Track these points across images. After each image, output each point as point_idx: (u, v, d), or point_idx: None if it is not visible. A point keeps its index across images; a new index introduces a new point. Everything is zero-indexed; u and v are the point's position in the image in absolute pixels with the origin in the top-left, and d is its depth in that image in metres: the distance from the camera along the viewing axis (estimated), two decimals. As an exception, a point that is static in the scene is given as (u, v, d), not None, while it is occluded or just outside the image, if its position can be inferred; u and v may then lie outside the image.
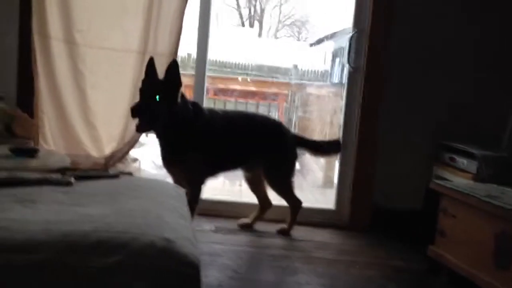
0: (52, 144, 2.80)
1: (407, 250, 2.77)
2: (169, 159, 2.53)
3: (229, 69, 8.02)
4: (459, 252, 2.28)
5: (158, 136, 2.51)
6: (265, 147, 2.70)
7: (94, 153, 2.84)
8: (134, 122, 2.84)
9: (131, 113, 2.32)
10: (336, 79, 7.74)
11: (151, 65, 2.43)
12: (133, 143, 2.87)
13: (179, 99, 2.41)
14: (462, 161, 2.74)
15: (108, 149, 2.87)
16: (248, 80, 6.74)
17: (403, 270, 2.52)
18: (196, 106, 2.56)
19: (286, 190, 2.81)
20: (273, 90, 6.06)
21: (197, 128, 2.49)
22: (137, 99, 2.83)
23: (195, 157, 2.49)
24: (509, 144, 2.60)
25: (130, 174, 2.70)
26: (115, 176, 1.89)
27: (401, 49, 3.04)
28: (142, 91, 2.39)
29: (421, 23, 3.04)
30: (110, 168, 2.75)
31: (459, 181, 2.67)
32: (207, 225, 2.74)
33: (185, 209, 1.74)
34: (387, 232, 3.02)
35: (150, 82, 2.40)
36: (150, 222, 1.43)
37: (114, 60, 2.87)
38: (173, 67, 2.39)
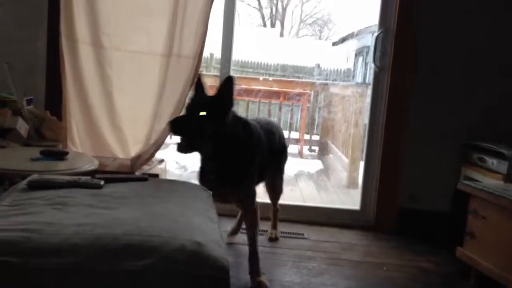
0: (79, 146, 2.84)
1: (434, 252, 2.74)
2: (222, 183, 2.19)
3: (251, 69, 8.04)
4: (490, 254, 2.24)
5: (205, 158, 2.20)
6: (281, 150, 2.66)
7: (120, 155, 2.88)
8: (160, 124, 2.87)
9: (170, 127, 2.06)
10: (359, 79, 7.69)
11: (199, 82, 2.20)
12: (159, 145, 2.88)
13: (229, 118, 2.11)
14: (492, 161, 2.69)
15: (134, 151, 2.90)
16: (270, 79, 6.73)
17: (430, 272, 2.49)
18: (245, 123, 2.26)
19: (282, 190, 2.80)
20: (296, 90, 6.04)
21: (249, 146, 2.22)
22: (162, 100, 2.89)
23: (251, 178, 2.26)
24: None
25: (156, 176, 2.76)
26: (143, 179, 1.91)
27: (428, 49, 2.98)
28: (187, 107, 2.13)
29: (448, 22, 2.98)
30: (136, 170, 2.78)
31: (488, 182, 2.61)
32: (229, 225, 2.74)
33: (212, 211, 1.75)
34: (414, 234, 2.98)
35: (197, 98, 2.15)
36: (180, 225, 1.44)
37: (139, 63, 2.91)
38: (227, 83, 2.09)
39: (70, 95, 2.82)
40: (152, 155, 2.90)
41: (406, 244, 2.88)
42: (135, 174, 2.03)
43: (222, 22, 3.13)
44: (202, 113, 2.02)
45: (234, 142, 2.13)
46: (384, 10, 3.08)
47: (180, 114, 2.17)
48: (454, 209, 2.53)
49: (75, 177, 1.81)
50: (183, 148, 2.05)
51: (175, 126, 2.05)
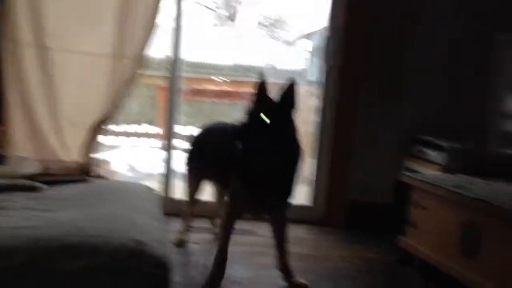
0: (22, 150, 2.77)
1: (380, 243, 2.83)
2: (271, 194, 2.09)
3: (205, 70, 8.02)
4: (429, 242, 2.35)
5: (263, 164, 2.03)
6: None
7: (65, 158, 2.83)
8: (103, 126, 2.84)
9: (234, 134, 1.98)
10: (313, 78, 7.79)
11: (262, 88, 2.04)
12: (107, 148, 2.87)
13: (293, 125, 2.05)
14: (431, 153, 2.81)
15: (79, 154, 2.86)
16: (225, 80, 6.75)
17: (374, 262, 2.59)
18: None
19: None
20: (249, 89, 6.08)
21: (299, 151, 2.11)
22: (107, 104, 2.86)
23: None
24: (478, 137, 2.67)
25: (103, 177, 2.74)
26: (86, 180, 1.90)
27: (376, 47, 3.09)
28: (251, 113, 1.98)
29: (395, 20, 3.10)
30: (88, 172, 2.76)
31: (428, 173, 2.74)
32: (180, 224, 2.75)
33: (157, 210, 1.77)
34: (362, 227, 3.08)
35: (260, 102, 2.01)
36: (122, 225, 1.46)
37: (86, 65, 2.86)
38: (291, 87, 2.00)
39: (10, 98, 2.75)
40: (100, 157, 2.88)
41: (353, 236, 2.97)
42: (79, 175, 2.00)
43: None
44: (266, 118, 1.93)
45: (292, 152, 2.06)
46: (334, 10, 3.16)
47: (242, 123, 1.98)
48: (397, 200, 2.63)
49: (15, 181, 1.78)
50: (246, 155, 1.98)
51: (239, 134, 1.96)
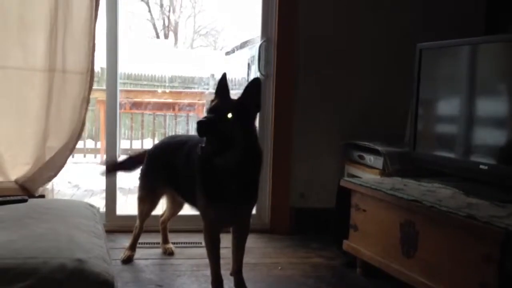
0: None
1: (324, 248, 2.90)
2: (240, 200, 2.07)
3: (145, 82, 7.92)
4: (371, 244, 2.42)
5: (224, 170, 1.98)
6: None
7: (1, 178, 2.71)
8: (54, 142, 2.74)
9: (198, 128, 1.86)
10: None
11: (223, 83, 2.02)
12: (60, 163, 2.76)
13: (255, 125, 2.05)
14: (369, 158, 2.91)
15: (15, 173, 2.74)
16: (167, 91, 6.70)
17: (321, 267, 2.64)
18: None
19: None
20: (190, 100, 6.07)
21: (261, 157, 2.10)
22: (50, 118, 2.75)
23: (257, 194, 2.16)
24: (409, 140, 2.79)
25: (42, 196, 2.64)
26: (23, 200, 1.83)
27: (309, 54, 3.18)
28: (212, 108, 1.95)
29: (325, 27, 3.19)
30: (33, 192, 2.65)
31: (367, 177, 2.83)
32: (127, 241, 2.70)
33: (99, 227, 1.72)
34: (306, 232, 3.14)
35: (222, 100, 1.98)
36: (61, 244, 1.41)
37: (16, 80, 2.76)
38: (253, 86, 1.99)
39: None
40: (54, 174, 2.78)
41: (299, 242, 3.02)
42: (17, 196, 1.91)
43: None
44: (229, 116, 1.89)
45: (254, 153, 2.04)
46: (265, 20, 3.22)
47: (204, 117, 1.93)
48: (339, 205, 2.70)
49: None
50: (209, 152, 1.89)
51: (203, 126, 1.85)
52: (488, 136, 2.35)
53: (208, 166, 2.00)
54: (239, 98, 2.00)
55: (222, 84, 2.02)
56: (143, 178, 2.59)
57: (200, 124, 1.86)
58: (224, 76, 2.04)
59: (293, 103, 3.18)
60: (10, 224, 1.55)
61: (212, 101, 2.01)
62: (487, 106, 2.38)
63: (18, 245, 1.36)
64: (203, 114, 6.16)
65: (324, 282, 2.43)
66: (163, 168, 2.46)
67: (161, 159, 2.50)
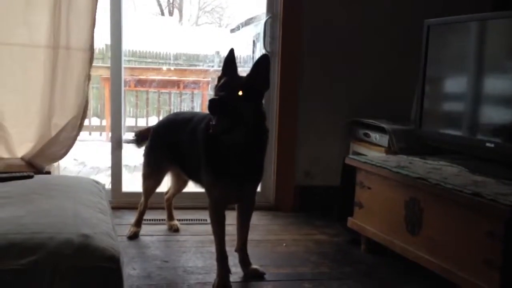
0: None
1: (329, 225, 2.91)
2: (245, 177, 2.08)
3: (150, 60, 7.88)
4: (375, 221, 2.43)
5: (230, 148, 1.98)
6: None
7: (5, 155, 2.72)
8: (61, 119, 2.74)
9: (210, 107, 1.86)
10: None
11: (231, 59, 2.01)
12: (70, 140, 2.76)
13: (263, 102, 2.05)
14: (375, 136, 2.90)
15: (22, 150, 2.75)
16: (172, 69, 6.67)
17: (325, 243, 2.66)
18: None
19: None
20: (195, 78, 6.05)
21: (267, 135, 2.10)
22: (55, 95, 2.75)
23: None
24: (415, 118, 2.77)
25: (48, 173, 2.65)
26: (29, 176, 1.84)
27: (315, 31, 3.14)
28: (222, 86, 1.93)
29: (332, 8, 3.15)
30: (41, 168, 2.67)
31: (372, 155, 2.83)
32: (133, 217, 2.72)
33: (104, 203, 1.73)
34: (311, 210, 3.15)
35: (232, 77, 1.96)
36: (67, 220, 1.42)
37: (21, 57, 2.75)
38: (262, 63, 1.97)
39: None
40: (63, 152, 2.78)
41: (303, 220, 3.04)
42: (24, 172, 1.92)
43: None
44: (239, 94, 1.88)
45: (261, 131, 2.03)
46: (270, -3, 3.18)
47: (214, 96, 1.92)
48: (344, 182, 2.71)
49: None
50: (219, 130, 1.86)
51: (215, 105, 1.84)
52: (495, 114, 2.33)
53: (215, 143, 1.99)
54: (248, 75, 1.98)
55: (230, 60, 2.00)
56: (147, 155, 2.60)
57: (212, 103, 1.85)
58: (231, 52, 2.02)
59: (298, 80, 3.16)
60: (17, 200, 1.56)
61: (220, 78, 1.99)
62: (494, 84, 2.35)
63: (25, 220, 1.37)
64: (207, 91, 6.14)
65: (327, 258, 2.45)
66: (167, 145, 2.46)
67: (165, 136, 2.50)
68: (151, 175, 2.60)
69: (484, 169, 2.25)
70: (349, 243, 2.65)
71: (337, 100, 3.21)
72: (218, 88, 1.93)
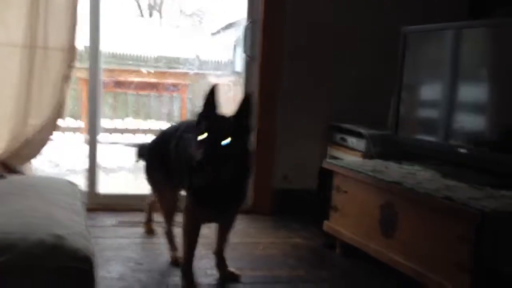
0: None
1: (306, 228, 2.93)
2: (227, 204, 2.05)
3: (130, 62, 7.82)
4: (351, 225, 2.45)
5: (218, 181, 1.89)
6: None
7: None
8: (36, 119, 2.69)
9: (199, 166, 1.77)
10: (238, 68, 7.85)
11: (213, 95, 1.88)
12: (40, 144, 2.72)
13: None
14: (352, 141, 2.93)
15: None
16: (152, 71, 6.63)
17: (301, 247, 2.67)
18: None
19: None
20: (175, 80, 6.03)
21: (250, 156, 2.04)
22: (32, 95, 2.71)
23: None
24: (392, 123, 2.81)
25: (21, 173, 2.61)
26: (1, 176, 1.81)
27: (295, 36, 3.16)
28: (208, 129, 1.80)
29: (313, 9, 3.17)
30: (13, 168, 2.62)
31: (349, 159, 2.86)
32: (109, 220, 2.70)
33: (78, 204, 1.71)
34: (288, 213, 3.16)
35: (215, 119, 1.86)
36: (40, 220, 1.40)
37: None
38: (248, 101, 1.90)
39: None
40: (36, 152, 2.74)
41: (281, 223, 3.05)
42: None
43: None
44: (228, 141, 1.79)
45: (247, 166, 1.99)
46: (251, 1, 3.20)
47: (203, 146, 1.79)
48: (321, 186, 2.73)
49: None
50: (209, 180, 1.84)
51: (206, 161, 1.75)
52: (468, 121, 2.38)
53: (199, 175, 1.88)
54: (234, 117, 1.88)
55: (212, 97, 1.88)
56: (148, 177, 2.44)
57: (201, 162, 1.75)
58: (213, 88, 1.89)
59: (278, 84, 3.18)
60: (-11, 200, 1.53)
61: (202, 115, 1.88)
62: (468, 92, 2.41)
63: (1, 221, 1.35)
64: (186, 94, 6.11)
65: (304, 262, 2.46)
66: (161, 162, 2.30)
67: (158, 152, 2.34)
68: (163, 196, 2.41)
69: (457, 174, 2.30)
70: (325, 247, 2.66)
71: (316, 104, 3.24)
72: (204, 129, 1.81)
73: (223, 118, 1.88)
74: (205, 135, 1.79)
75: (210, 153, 1.75)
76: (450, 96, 2.46)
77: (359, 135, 2.88)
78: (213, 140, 1.78)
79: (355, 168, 2.44)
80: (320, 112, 3.24)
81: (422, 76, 2.65)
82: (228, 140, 1.78)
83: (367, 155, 2.80)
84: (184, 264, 2.11)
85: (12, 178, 1.87)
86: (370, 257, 2.31)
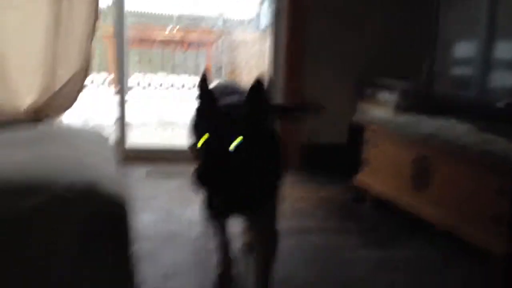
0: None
1: (334, 183, 2.90)
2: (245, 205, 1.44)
3: (153, 19, 7.76)
4: (381, 179, 2.42)
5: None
6: None
7: (9, 105, 2.69)
8: (65, 70, 2.68)
9: (198, 181, 1.21)
10: (264, 24, 7.71)
11: (205, 82, 1.34)
12: (70, 97, 2.72)
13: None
14: (383, 94, 2.85)
15: (26, 101, 2.72)
16: (175, 29, 6.57)
17: (331, 200, 2.65)
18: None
19: None
20: (200, 37, 5.96)
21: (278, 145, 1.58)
22: (59, 44, 2.70)
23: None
24: (426, 76, 2.72)
25: (54, 123, 2.63)
26: (37, 124, 1.81)
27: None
28: (208, 129, 1.26)
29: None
30: (43, 119, 2.63)
31: (380, 113, 2.78)
32: (138, 172, 2.71)
33: (109, 153, 1.71)
34: (317, 168, 3.13)
35: (218, 112, 1.32)
36: (71, 166, 1.39)
37: (24, 7, 2.68)
38: (258, 88, 1.31)
39: None
40: (66, 104, 2.74)
41: (309, 177, 3.03)
42: (29, 120, 1.90)
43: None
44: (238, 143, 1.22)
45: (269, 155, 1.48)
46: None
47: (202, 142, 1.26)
48: (351, 141, 2.68)
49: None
50: (229, 205, 1.37)
51: (215, 172, 1.22)
52: (506, 74, 2.27)
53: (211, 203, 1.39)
54: (244, 105, 1.32)
55: (206, 86, 1.34)
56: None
57: (200, 177, 1.22)
58: (204, 76, 1.35)
59: (306, 38, 3.09)
60: (22, 146, 1.53)
61: (199, 110, 1.39)
62: (506, 45, 2.29)
63: (31, 165, 1.35)
64: (211, 51, 6.04)
65: (333, 214, 2.45)
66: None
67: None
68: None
69: (494, 128, 2.21)
70: (354, 201, 2.64)
71: (345, 57, 3.15)
72: (204, 130, 1.26)
73: (228, 109, 1.34)
74: (206, 139, 1.25)
75: (215, 166, 1.22)
76: (487, 49, 2.35)
77: (390, 88, 2.79)
78: (217, 145, 1.24)
79: (386, 122, 2.38)
80: (349, 65, 3.16)
81: (458, 28, 2.53)
82: (239, 140, 1.22)
83: (399, 109, 2.72)
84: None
85: (44, 126, 1.88)
86: (399, 211, 2.28)
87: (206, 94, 1.35)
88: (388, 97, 2.82)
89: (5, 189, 1.21)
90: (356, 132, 2.62)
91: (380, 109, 2.86)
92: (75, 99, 2.75)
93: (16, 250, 1.20)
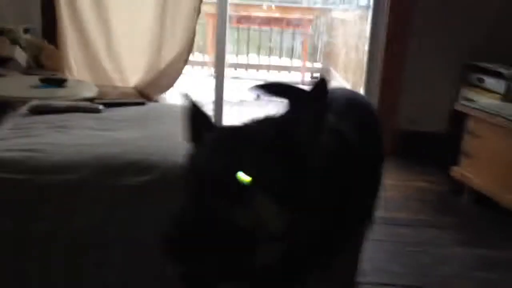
0: (77, 75, 2.85)
1: (430, 172, 2.80)
2: None
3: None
4: (483, 172, 2.30)
5: None
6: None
7: (118, 83, 2.90)
8: (169, 52, 2.81)
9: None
10: (363, 2, 7.46)
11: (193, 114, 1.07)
12: (174, 76, 2.87)
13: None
14: (490, 81, 2.69)
15: (133, 80, 2.91)
16: (273, 6, 6.58)
17: (426, 191, 2.57)
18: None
19: None
20: (298, 16, 5.92)
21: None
22: (165, 27, 2.87)
23: None
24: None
25: (156, 101, 2.79)
26: (141, 103, 1.94)
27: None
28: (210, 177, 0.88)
29: None
30: (148, 98, 2.81)
31: (486, 101, 2.63)
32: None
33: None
34: (413, 156, 3.03)
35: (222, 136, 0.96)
36: (177, 144, 1.48)
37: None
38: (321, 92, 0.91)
39: (65, 23, 2.79)
40: (170, 83, 2.90)
41: (404, 165, 2.94)
42: (136, 99, 2.04)
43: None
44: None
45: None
46: None
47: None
48: (452, 129, 2.56)
49: (75, 102, 1.84)
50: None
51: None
52: None
53: None
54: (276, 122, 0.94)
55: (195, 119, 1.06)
56: None
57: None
58: (194, 106, 1.06)
59: (408, 18, 2.97)
60: (132, 124, 1.65)
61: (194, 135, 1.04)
62: None
63: (141, 142, 1.46)
64: (309, 30, 5.99)
65: (427, 206, 2.38)
66: None
67: None
68: None
69: None
70: (451, 193, 2.54)
71: (449, 40, 2.98)
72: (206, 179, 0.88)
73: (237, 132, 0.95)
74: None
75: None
76: None
77: (498, 75, 2.63)
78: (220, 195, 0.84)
79: (492, 111, 2.25)
80: (453, 49, 2.99)
81: None
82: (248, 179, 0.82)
83: (507, 97, 2.56)
84: None
85: (151, 105, 2.00)
86: (502, 208, 2.16)
87: (198, 123, 1.03)
88: (495, 84, 2.66)
89: (122, 166, 1.32)
90: (458, 121, 2.50)
91: (486, 97, 2.71)
92: (176, 78, 2.90)
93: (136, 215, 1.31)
